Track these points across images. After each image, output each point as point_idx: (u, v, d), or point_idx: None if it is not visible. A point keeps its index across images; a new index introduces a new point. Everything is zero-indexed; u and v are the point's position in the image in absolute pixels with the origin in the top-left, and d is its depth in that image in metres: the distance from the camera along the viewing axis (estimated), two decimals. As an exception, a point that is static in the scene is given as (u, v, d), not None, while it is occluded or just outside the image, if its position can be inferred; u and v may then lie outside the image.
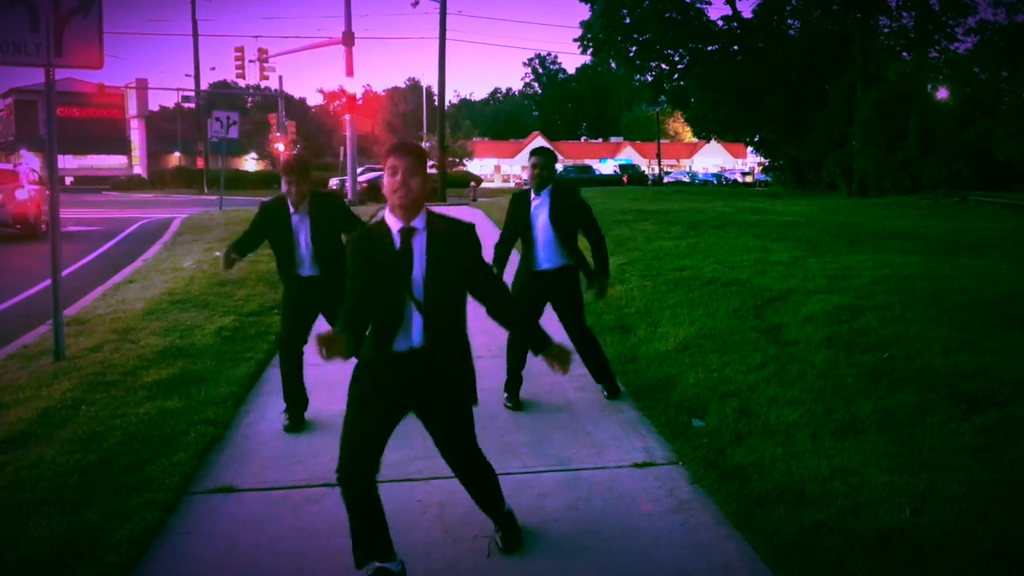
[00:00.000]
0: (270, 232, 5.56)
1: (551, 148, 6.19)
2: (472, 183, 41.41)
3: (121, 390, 6.11)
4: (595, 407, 5.99)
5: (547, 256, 5.92)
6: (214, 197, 36.57)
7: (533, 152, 5.91)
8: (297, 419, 5.58)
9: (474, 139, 74.17)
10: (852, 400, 5.38)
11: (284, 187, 5.45)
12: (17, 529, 3.99)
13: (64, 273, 13.31)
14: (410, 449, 5.13)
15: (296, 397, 5.62)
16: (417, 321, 3.46)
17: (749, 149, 60.24)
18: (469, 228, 3.56)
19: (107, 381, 6.34)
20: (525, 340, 3.83)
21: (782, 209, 21.36)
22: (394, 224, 3.45)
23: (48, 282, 12.15)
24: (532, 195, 5.89)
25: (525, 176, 6.22)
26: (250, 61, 41.03)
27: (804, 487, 4.30)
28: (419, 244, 3.44)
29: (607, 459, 5.01)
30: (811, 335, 6.86)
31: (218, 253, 13.96)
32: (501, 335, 7.71)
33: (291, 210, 5.46)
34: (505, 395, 6.10)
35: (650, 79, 43.35)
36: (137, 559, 3.79)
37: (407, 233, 3.46)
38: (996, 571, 3.41)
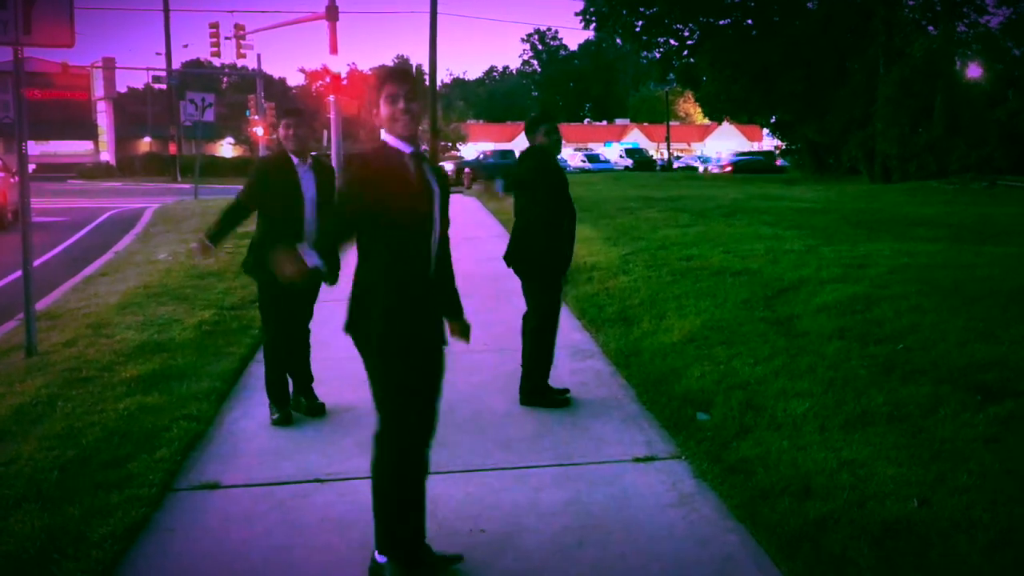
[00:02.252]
0: (274, 189, 5.50)
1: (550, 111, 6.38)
2: (467, 169, 41.53)
3: (98, 386, 6.30)
4: (595, 402, 6.19)
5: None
6: (188, 185, 36.72)
7: (542, 120, 6.01)
8: (286, 413, 5.78)
9: (468, 121, 74.38)
10: (863, 392, 5.59)
11: (283, 133, 5.51)
12: (-3, 525, 4.18)
13: (34, 264, 13.54)
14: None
15: (282, 392, 5.81)
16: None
17: (765, 131, 60.50)
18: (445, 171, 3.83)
19: (83, 377, 6.53)
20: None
21: (798, 195, 21.60)
22: (404, 148, 3.55)
23: (13, 276, 12.40)
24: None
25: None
26: (226, 38, 41.12)
27: (810, 480, 4.51)
28: (427, 171, 3.60)
29: (607, 453, 5.21)
30: (823, 326, 7.06)
31: (194, 245, 14.16)
32: (496, 329, 7.93)
33: (295, 161, 5.54)
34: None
35: (658, 56, 43.57)
36: (122, 555, 3.98)
37: (419, 159, 3.57)
38: (1001, 559, 3.61)
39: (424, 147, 3.53)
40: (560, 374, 6.87)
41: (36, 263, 13.70)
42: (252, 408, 6.05)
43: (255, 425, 5.74)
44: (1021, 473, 4.32)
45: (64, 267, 13.36)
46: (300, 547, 4.10)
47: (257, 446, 5.36)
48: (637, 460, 5.09)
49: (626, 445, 5.34)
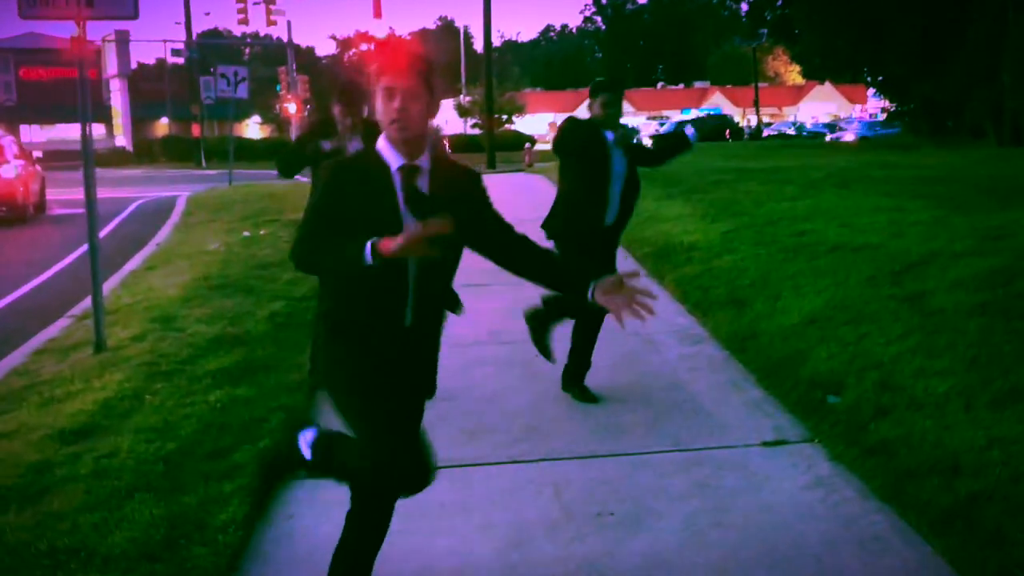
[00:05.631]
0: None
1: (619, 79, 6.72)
2: (527, 144, 42.09)
3: (182, 380, 6.88)
4: (712, 387, 6.62)
5: (612, 209, 6.46)
6: (214, 171, 37.78)
7: (603, 87, 6.31)
8: None
9: (524, 90, 74.77)
10: (1011, 369, 5.92)
11: (340, 117, 6.47)
12: (116, 514, 4.73)
13: (66, 262, 14.37)
14: (508, 432, 5.86)
15: None
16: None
17: (870, 92, 59.96)
18: (476, 174, 3.61)
19: (163, 371, 7.12)
20: (564, 282, 3.61)
21: (916, 162, 21.71)
22: (393, 159, 3.39)
23: (49, 273, 13.20)
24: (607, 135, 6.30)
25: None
26: (254, 3, 42.19)
27: (958, 458, 4.89)
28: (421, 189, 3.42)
29: (732, 439, 5.65)
30: (960, 302, 7.38)
31: (265, 231, 14.81)
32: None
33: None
34: (569, 391, 6.54)
35: (745, 8, 43.57)
36: (247, 539, 4.53)
37: (409, 173, 3.38)
38: None
39: (425, 155, 3.37)
40: (669, 358, 7.32)
41: (70, 258, 14.61)
42: (346, 399, 6.57)
43: (353, 416, 6.26)
44: None
45: (103, 261, 13.97)
46: (424, 529, 4.60)
47: (361, 435, 5.88)
48: (765, 444, 5.52)
49: (751, 430, 5.76)
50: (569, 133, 6.46)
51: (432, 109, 3.41)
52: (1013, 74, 32.27)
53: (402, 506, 4.81)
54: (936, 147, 33.81)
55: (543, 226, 6.49)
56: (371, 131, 6.36)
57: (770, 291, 8.72)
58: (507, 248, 3.59)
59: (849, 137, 51.21)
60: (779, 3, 42.12)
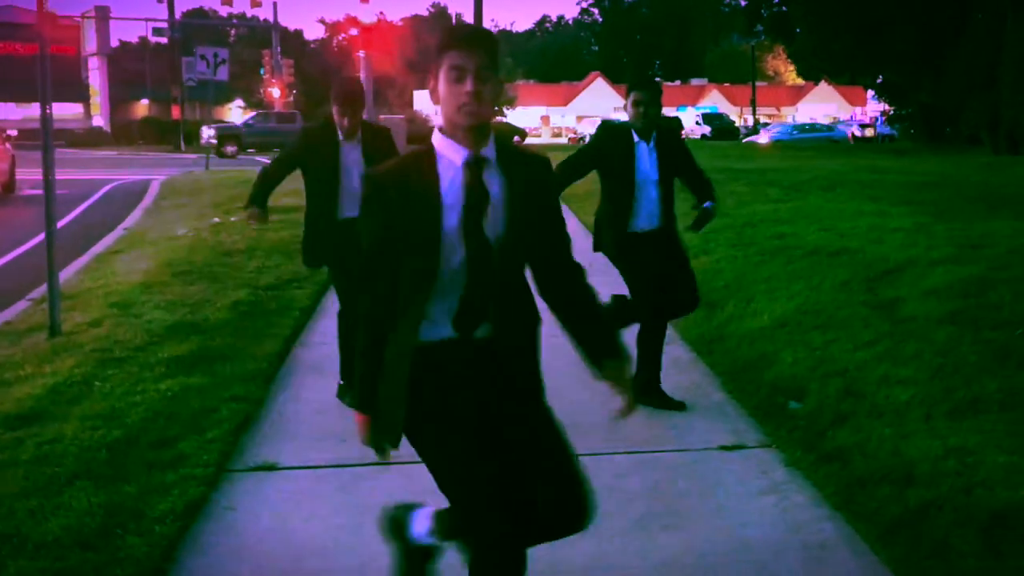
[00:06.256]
0: (313, 160, 6.18)
1: (656, 80, 6.64)
2: (516, 138, 42.12)
3: (135, 367, 6.91)
4: (676, 389, 6.64)
5: (647, 215, 6.32)
6: (193, 155, 37.67)
7: (635, 86, 6.22)
8: None
9: (517, 82, 74.80)
10: (974, 379, 6.00)
11: (337, 117, 6.09)
12: (53, 501, 4.75)
13: (31, 244, 14.34)
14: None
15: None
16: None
17: (870, 94, 60.21)
18: (545, 162, 3.13)
19: (117, 357, 7.15)
20: (591, 334, 3.32)
21: (908, 168, 21.86)
22: (455, 153, 2.94)
23: (10, 255, 13.18)
24: (635, 137, 6.18)
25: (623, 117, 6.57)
26: (238, -16, 42.01)
27: (913, 467, 4.95)
28: (492, 184, 2.96)
29: (690, 441, 5.69)
30: (932, 310, 7.46)
31: (237, 217, 14.85)
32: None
33: (340, 137, 6.13)
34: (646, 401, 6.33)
35: (743, 3, 43.70)
36: (184, 531, 4.55)
37: (476, 166, 2.95)
38: (1117, 545, 4.03)
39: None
40: (634, 359, 7.35)
41: (35, 240, 14.56)
42: (301, 391, 6.62)
43: (307, 408, 6.30)
44: None
45: (69, 244, 14.06)
46: (368, 526, 4.61)
47: (312, 428, 5.92)
48: (723, 448, 5.57)
49: (710, 433, 5.81)
50: (594, 138, 6.52)
51: (498, 91, 3.00)
52: (1009, 83, 32.47)
53: (358, 503, 4.88)
54: (932, 153, 34.00)
55: (595, 248, 6.46)
56: (370, 134, 6.30)
57: (743, 294, 8.80)
58: (554, 270, 3.17)
59: (763, 140, 52.88)
60: (776, 0, 42.25)
